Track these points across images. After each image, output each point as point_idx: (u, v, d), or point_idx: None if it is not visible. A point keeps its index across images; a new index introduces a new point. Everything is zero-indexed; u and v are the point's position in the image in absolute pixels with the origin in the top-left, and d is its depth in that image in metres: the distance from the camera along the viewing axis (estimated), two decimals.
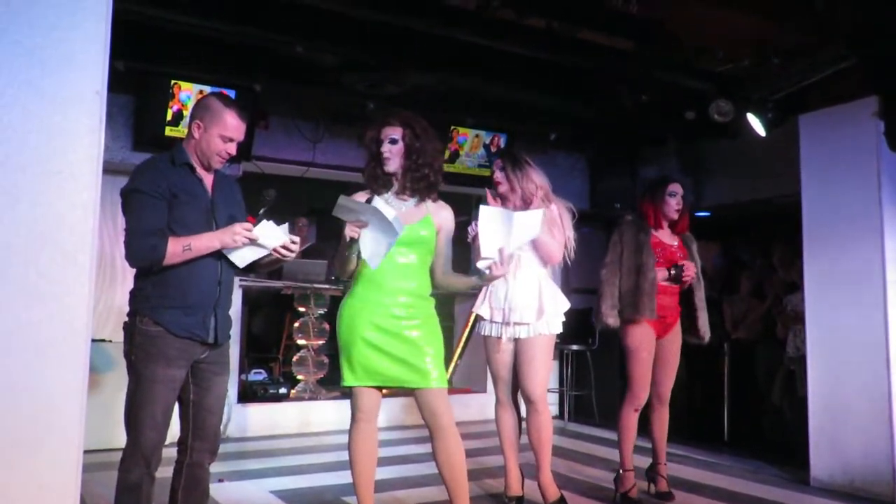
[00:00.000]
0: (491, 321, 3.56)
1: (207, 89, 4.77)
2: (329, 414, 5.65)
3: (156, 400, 2.40)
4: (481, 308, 3.58)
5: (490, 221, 2.80)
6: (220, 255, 2.48)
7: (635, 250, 3.72)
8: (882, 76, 4.10)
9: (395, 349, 2.78)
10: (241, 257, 2.51)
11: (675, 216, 3.83)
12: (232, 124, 2.48)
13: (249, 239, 2.42)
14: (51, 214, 2.13)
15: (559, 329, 3.54)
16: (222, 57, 4.61)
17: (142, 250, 2.34)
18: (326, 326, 5.98)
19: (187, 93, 4.73)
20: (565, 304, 3.56)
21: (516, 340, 3.52)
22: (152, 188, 2.37)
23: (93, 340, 4.85)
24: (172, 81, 4.69)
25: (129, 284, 5.29)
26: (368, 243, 2.66)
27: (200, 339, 2.45)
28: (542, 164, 6.65)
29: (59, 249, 2.13)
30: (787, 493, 4.18)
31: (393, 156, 2.81)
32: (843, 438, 4.25)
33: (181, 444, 2.57)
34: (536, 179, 3.53)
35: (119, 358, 5.16)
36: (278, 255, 2.50)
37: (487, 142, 5.94)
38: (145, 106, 4.81)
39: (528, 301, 3.47)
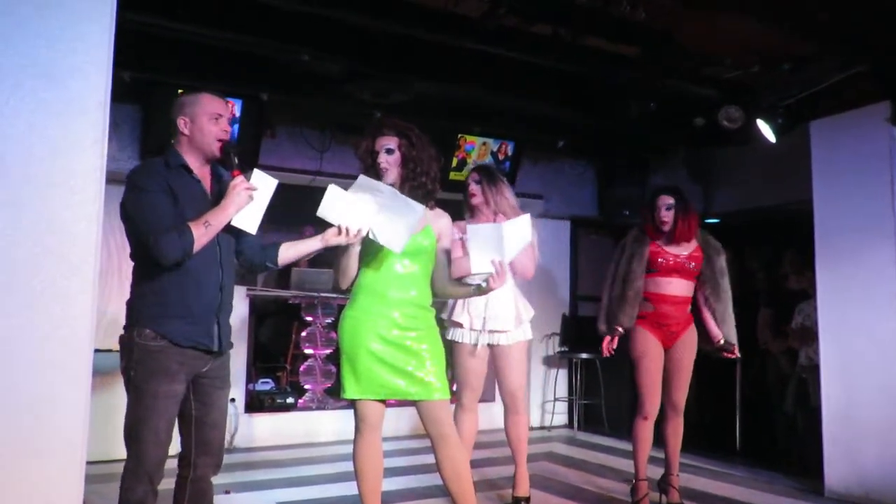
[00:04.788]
0: (470, 328, 3.66)
1: None
2: (336, 424, 5.62)
3: (158, 415, 2.31)
4: (461, 316, 3.65)
5: (479, 238, 2.76)
6: (220, 259, 2.42)
7: (629, 259, 3.78)
8: (893, 82, 4.06)
9: (398, 361, 2.74)
10: (249, 221, 2.42)
11: (666, 226, 3.79)
12: (213, 101, 2.42)
13: (251, 192, 2.36)
14: (55, 226, 2.12)
15: (531, 335, 3.80)
16: (228, 66, 4.61)
17: (172, 243, 2.23)
18: (334, 336, 5.96)
19: None
20: (532, 312, 3.79)
21: (493, 347, 3.68)
22: (155, 185, 2.29)
23: (98, 351, 4.85)
24: (179, 91, 4.69)
25: (125, 294, 5.25)
26: (384, 228, 2.58)
27: (205, 349, 2.38)
28: (549, 172, 6.69)
29: (64, 261, 2.13)
30: None
31: (390, 166, 2.77)
32: (857, 448, 4.18)
33: (183, 459, 2.51)
34: (508, 196, 3.71)
35: (113, 367, 5.12)
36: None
37: (495, 149, 5.92)
38: (152, 116, 4.82)
39: (508, 310, 3.65)
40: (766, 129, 4.50)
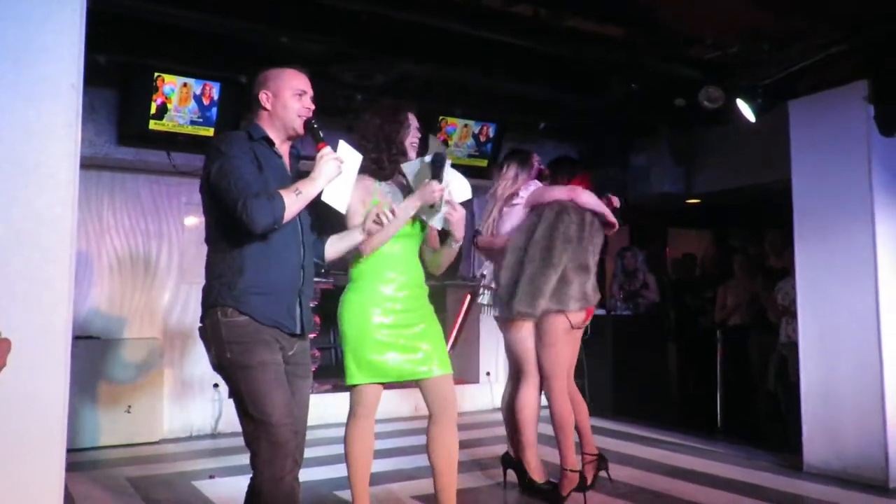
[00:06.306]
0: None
1: (192, 82, 4.72)
2: (321, 408, 5.57)
3: (276, 385, 2.15)
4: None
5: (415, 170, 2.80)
6: (301, 238, 2.32)
7: None
8: (872, 60, 4.08)
9: (402, 341, 2.78)
10: (338, 197, 2.32)
11: None
12: (297, 76, 2.35)
13: (339, 163, 2.26)
14: (28, 212, 2.09)
15: None
16: (206, 49, 4.54)
17: (263, 209, 2.09)
18: (317, 319, 5.94)
19: (171, 86, 4.67)
20: None
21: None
22: (242, 153, 2.19)
23: (79, 337, 4.82)
24: (156, 74, 4.63)
25: (117, 280, 5.20)
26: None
27: (288, 330, 2.25)
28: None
29: (38, 248, 2.10)
30: (780, 479, 4.18)
31: (416, 147, 2.86)
32: (836, 424, 4.25)
33: None
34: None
35: (106, 355, 5.12)
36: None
37: (476, 131, 5.90)
38: (128, 100, 4.75)
39: None
40: (745, 108, 4.51)
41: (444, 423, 2.84)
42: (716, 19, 4.11)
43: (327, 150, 2.26)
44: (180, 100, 4.72)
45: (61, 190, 2.13)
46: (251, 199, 2.09)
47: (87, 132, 4.54)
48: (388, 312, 2.77)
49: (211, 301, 2.21)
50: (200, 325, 2.23)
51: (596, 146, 6.65)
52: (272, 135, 2.31)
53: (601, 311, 6.70)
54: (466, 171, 5.75)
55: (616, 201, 3.82)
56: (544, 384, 3.73)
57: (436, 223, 2.80)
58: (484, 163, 6.00)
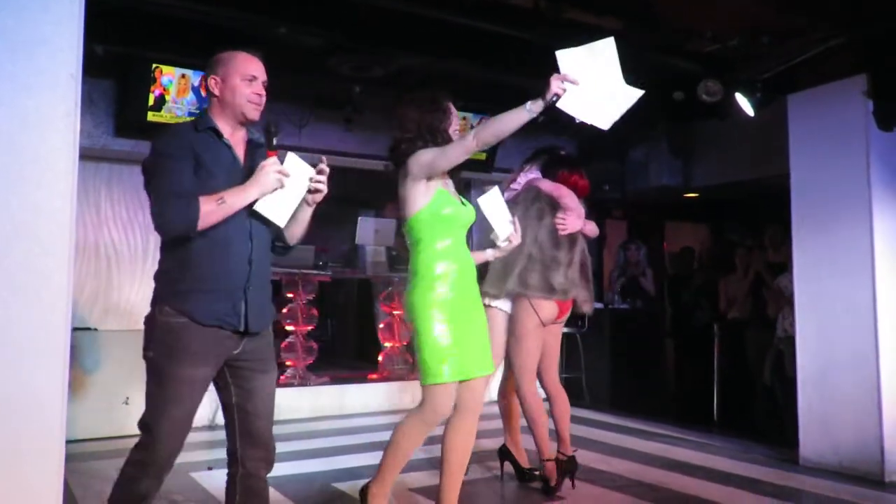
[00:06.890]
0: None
1: (189, 73, 4.71)
2: (318, 400, 5.62)
3: (177, 403, 2.09)
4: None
5: (492, 205, 2.93)
6: (250, 231, 2.19)
7: None
8: (871, 55, 4.08)
9: (476, 337, 2.73)
10: (277, 210, 2.17)
11: None
12: (247, 61, 2.23)
13: (282, 177, 2.13)
14: (27, 204, 2.08)
15: None
16: (204, 40, 4.50)
17: (174, 214, 2.02)
18: (315, 312, 5.95)
19: (169, 77, 4.65)
20: None
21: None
22: (173, 150, 2.08)
23: (78, 329, 4.80)
24: (154, 65, 4.62)
25: (115, 271, 5.19)
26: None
27: (231, 328, 2.14)
28: (530, 148, 6.64)
29: (37, 240, 2.09)
30: (777, 473, 4.19)
31: (458, 135, 2.79)
32: (832, 418, 4.26)
33: (231, 454, 2.27)
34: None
35: (104, 346, 5.11)
36: (316, 189, 2.21)
37: (475, 124, 5.89)
38: (126, 91, 4.74)
39: None
40: (744, 102, 4.50)
41: (470, 419, 2.78)
42: (715, 14, 4.10)
43: (272, 160, 2.16)
44: (178, 91, 4.70)
45: (60, 182, 2.12)
46: (166, 203, 2.03)
47: (86, 123, 4.54)
48: (461, 308, 2.68)
49: (155, 295, 2.18)
50: (148, 311, 2.19)
51: (594, 140, 6.64)
52: (221, 123, 2.20)
53: (598, 305, 6.72)
54: (465, 164, 5.81)
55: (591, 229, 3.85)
56: (514, 381, 3.68)
57: (496, 239, 2.94)
58: (482, 156, 6.00)
